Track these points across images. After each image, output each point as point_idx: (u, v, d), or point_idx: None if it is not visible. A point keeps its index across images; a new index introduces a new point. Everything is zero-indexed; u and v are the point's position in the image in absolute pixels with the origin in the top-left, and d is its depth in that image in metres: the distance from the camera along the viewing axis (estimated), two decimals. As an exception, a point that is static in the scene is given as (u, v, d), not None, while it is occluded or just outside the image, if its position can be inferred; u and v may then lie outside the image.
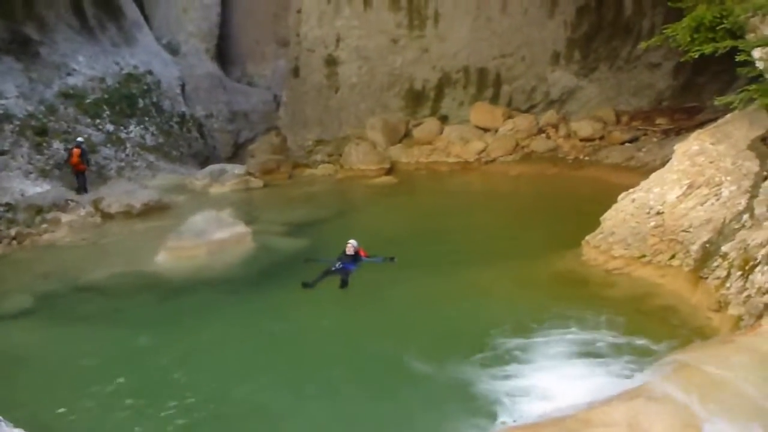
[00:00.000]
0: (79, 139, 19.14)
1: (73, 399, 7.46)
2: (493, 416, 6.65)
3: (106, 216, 17.15)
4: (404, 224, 15.19)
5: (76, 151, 18.02)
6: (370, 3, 22.48)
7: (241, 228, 13.97)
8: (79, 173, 18.21)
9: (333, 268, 10.23)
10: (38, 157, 18.60)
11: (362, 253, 10.48)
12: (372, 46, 22.61)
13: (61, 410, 7.02)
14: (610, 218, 11.00)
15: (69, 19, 22.33)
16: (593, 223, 11.19)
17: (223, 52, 29.98)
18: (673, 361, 5.85)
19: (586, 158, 19.55)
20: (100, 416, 7.03)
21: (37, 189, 17.45)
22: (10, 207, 16.37)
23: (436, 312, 9.43)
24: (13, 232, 15.57)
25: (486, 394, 7.07)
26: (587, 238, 11.11)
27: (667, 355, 6.79)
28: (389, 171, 20.75)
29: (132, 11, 24.52)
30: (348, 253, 10.32)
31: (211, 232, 13.46)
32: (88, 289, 11.94)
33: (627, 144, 19.37)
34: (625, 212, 10.80)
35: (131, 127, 22.15)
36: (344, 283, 10.17)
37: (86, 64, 22.04)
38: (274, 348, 8.76)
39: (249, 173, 20.57)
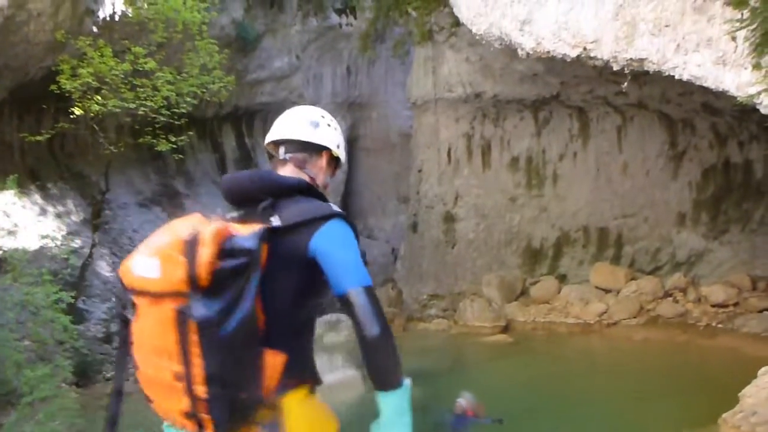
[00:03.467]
0: None
1: None
2: None
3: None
4: (518, 389, 14.44)
5: None
6: (489, 164, 23.26)
7: (351, 373, 13.94)
8: None
9: (448, 424, 9.81)
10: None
11: (470, 413, 10.02)
12: (490, 204, 23.06)
13: None
14: (750, 395, 9.96)
15: (213, 175, 24.73)
16: (730, 399, 10.15)
17: (348, 207, 31.61)
18: None
19: (720, 326, 18.14)
20: None
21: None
22: (140, 345, 17.39)
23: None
24: (139, 369, 16.38)
25: None
26: (724, 416, 10.04)
27: None
28: (505, 329, 20.23)
29: (267, 168, 26.81)
30: (456, 412, 9.91)
31: (322, 376, 13.47)
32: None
33: (766, 312, 17.86)
34: (767, 390, 9.78)
35: (256, 274, 23.35)
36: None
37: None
38: None
39: (364, 324, 20.75)
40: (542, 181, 22.79)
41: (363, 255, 2.34)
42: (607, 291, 20.74)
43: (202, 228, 2.00)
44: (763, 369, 10.25)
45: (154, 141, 16.93)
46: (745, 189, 20.04)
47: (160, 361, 1.98)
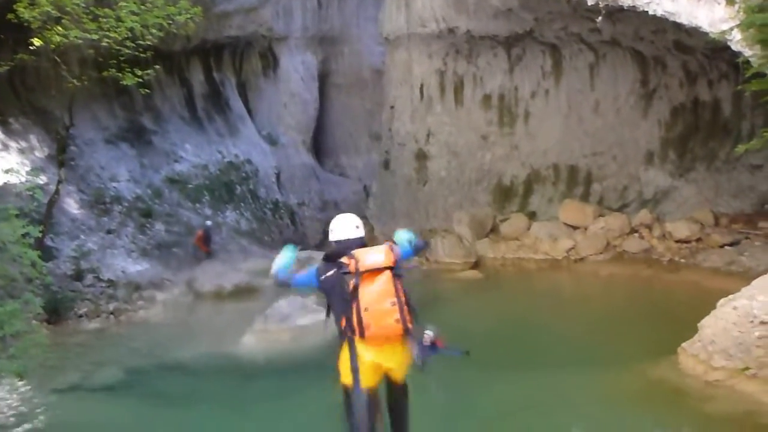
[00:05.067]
0: (208, 222, 20.59)
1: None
2: None
3: (198, 296, 17.81)
4: (487, 321, 14.83)
5: (199, 233, 19.60)
6: (461, 101, 23.13)
7: (324, 315, 14.11)
8: (201, 254, 19.73)
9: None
10: (141, 237, 19.73)
11: (439, 343, 10.29)
12: (462, 141, 23.06)
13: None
14: (709, 325, 10.33)
15: (181, 111, 24.18)
16: (690, 330, 10.52)
17: (319, 144, 31.32)
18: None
19: (683, 261, 18.68)
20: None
21: (137, 267, 18.44)
22: (111, 283, 17.35)
23: (516, 419, 8.88)
24: (111, 307, 16.45)
25: None
26: (684, 345, 10.44)
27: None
28: (475, 265, 20.57)
29: (237, 105, 26.23)
30: (424, 342, 10.18)
31: (295, 318, 13.69)
32: (173, 368, 12.29)
33: (727, 247, 18.41)
34: (726, 320, 10.12)
35: (228, 212, 23.22)
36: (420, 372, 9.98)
37: (192, 152, 23.55)
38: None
39: (336, 261, 20.95)
40: (514, 119, 22.80)
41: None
42: (575, 228, 21.12)
43: (386, 246, 4.18)
44: (722, 301, 10.58)
45: (119, 75, 16.41)
46: (712, 127, 20.31)
47: (386, 298, 3.99)
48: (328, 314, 4.33)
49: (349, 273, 3.96)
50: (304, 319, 13.71)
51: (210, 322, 15.81)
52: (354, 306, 3.94)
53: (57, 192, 17.49)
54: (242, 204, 24.03)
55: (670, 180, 20.84)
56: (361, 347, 4.08)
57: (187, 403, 10.35)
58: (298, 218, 26.88)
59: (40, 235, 9.02)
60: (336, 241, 4.31)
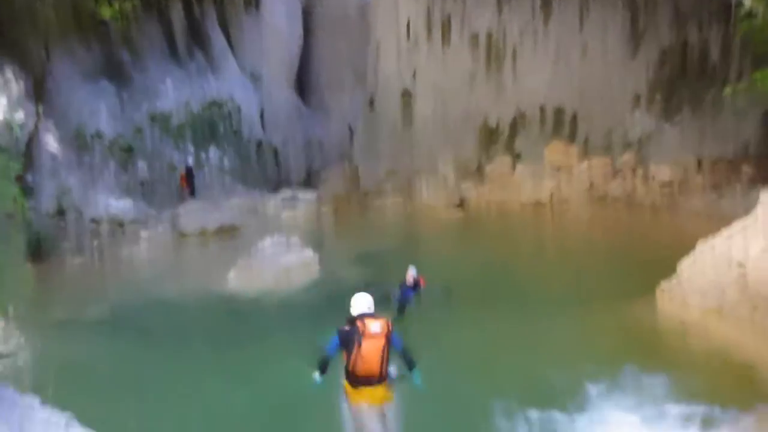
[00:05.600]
0: (189, 160, 20.43)
1: (134, 405, 7.69)
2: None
3: (182, 234, 17.80)
4: (469, 261, 15.01)
5: (182, 172, 19.58)
6: (448, 40, 22.73)
7: (308, 254, 14.20)
8: (185, 192, 19.71)
9: (393, 297, 10.27)
10: (123, 175, 19.53)
11: (422, 283, 10.45)
12: (448, 82, 22.77)
13: (122, 415, 7.21)
14: (687, 267, 10.54)
15: (161, 46, 23.51)
16: (669, 272, 10.73)
17: (303, 83, 30.80)
18: (748, 421, 5.49)
19: (665, 204, 18.88)
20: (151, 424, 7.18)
21: (120, 205, 18.31)
22: (94, 221, 17.25)
23: (496, 357, 9.10)
24: (95, 245, 16.39)
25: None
26: (662, 286, 10.68)
27: (740, 415, 6.40)
28: (459, 207, 20.67)
29: (219, 40, 25.55)
30: (407, 282, 10.33)
31: (279, 256, 13.73)
32: (159, 305, 12.37)
33: (709, 192, 18.60)
34: (703, 262, 10.33)
35: (211, 151, 22.97)
36: (401, 310, 10.15)
37: (173, 89, 23.06)
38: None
39: (320, 201, 20.94)
40: (501, 60, 22.47)
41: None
42: (559, 169, 21.18)
43: (382, 320, 6.03)
44: (700, 242, 10.76)
45: (95, 4, 15.85)
46: (700, 71, 20.16)
47: (376, 358, 5.92)
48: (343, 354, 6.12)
49: (358, 333, 5.93)
50: (289, 258, 13.78)
51: (195, 261, 15.87)
52: (354, 353, 5.94)
53: (36, 129, 17.17)
54: (225, 143, 23.76)
55: (655, 123, 20.80)
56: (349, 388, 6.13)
57: (173, 339, 10.47)
58: (282, 157, 26.68)
59: (20, 169, 8.86)
60: (356, 315, 6.17)
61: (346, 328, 6.09)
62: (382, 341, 5.93)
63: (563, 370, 8.25)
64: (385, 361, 5.96)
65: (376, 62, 23.92)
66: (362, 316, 6.11)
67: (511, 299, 11.72)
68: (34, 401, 4.76)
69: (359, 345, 5.89)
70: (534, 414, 7.20)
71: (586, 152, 21.25)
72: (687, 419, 6.97)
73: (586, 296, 11.54)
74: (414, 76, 23.16)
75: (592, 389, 7.75)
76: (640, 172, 20.22)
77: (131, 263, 15.79)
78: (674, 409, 7.15)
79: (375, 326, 5.95)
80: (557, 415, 7.21)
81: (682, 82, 20.47)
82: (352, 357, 5.93)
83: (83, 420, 4.74)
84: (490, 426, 7.10)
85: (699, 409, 7.05)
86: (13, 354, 9.83)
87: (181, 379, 8.67)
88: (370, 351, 5.90)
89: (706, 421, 6.86)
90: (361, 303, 6.30)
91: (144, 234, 17.55)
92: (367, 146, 24.46)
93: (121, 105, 21.20)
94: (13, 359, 9.62)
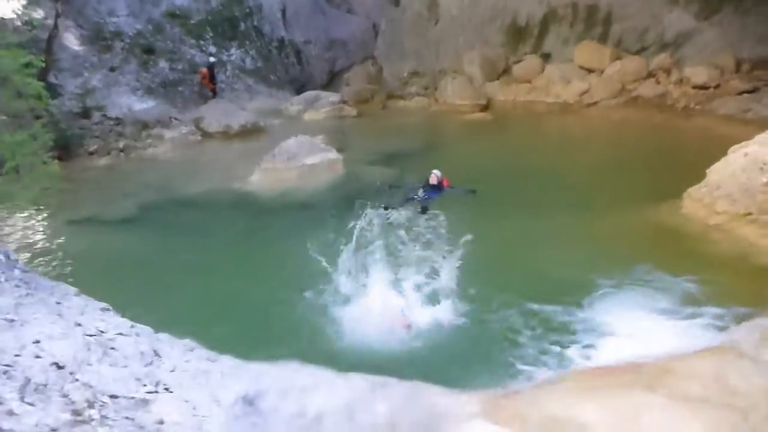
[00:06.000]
0: (211, 58, 20.19)
1: (160, 294, 7.97)
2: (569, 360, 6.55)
3: (206, 135, 17.82)
4: (495, 162, 14.83)
5: (203, 71, 19.42)
6: (478, -69, 21.54)
7: (332, 154, 14.17)
8: (207, 92, 19.59)
9: (415, 197, 10.28)
10: (145, 74, 19.36)
11: (446, 183, 10.43)
12: (477, -24, 21.76)
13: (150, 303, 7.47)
14: (717, 171, 10.32)
15: (179, -62, 22.66)
16: (698, 176, 10.53)
17: (326, -21, 29.69)
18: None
19: (698, 107, 18.28)
20: (185, 314, 7.43)
21: (143, 105, 18.28)
22: (119, 121, 17.29)
23: (520, 255, 9.19)
24: (120, 144, 16.53)
25: (564, 338, 6.94)
26: (690, 190, 10.52)
27: (761, 316, 6.42)
28: (484, 108, 20.27)
29: (239, -67, 24.55)
30: (431, 182, 10.32)
31: (302, 157, 13.73)
32: (184, 202, 12.57)
33: (745, 94, 17.90)
34: (734, 166, 10.09)
35: (232, 50, 22.57)
36: (424, 210, 10.20)
37: (193, -16, 22.43)
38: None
39: (343, 101, 20.68)
40: (533, -47, 21.31)
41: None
42: (590, 71, 20.50)
43: None
44: (733, 147, 10.49)
45: None
46: (745, -36, 18.96)
47: None
48: None
49: None
50: (312, 158, 13.77)
51: (218, 161, 15.92)
52: None
53: (56, 26, 16.93)
54: (247, 41, 23.28)
55: (694, 22, 19.81)
56: None
57: (198, 234, 10.70)
58: (304, 57, 26.17)
59: (42, 64, 8.78)
60: None
61: None
62: None
63: (578, 268, 8.40)
64: None
65: (402, -45, 22.88)
66: None
67: (535, 200, 11.66)
68: (69, 289, 4.92)
69: None
70: (544, 306, 7.43)
71: (618, 53, 20.46)
72: (696, 317, 7.09)
73: (611, 198, 11.45)
74: (441, -30, 22.16)
75: (605, 285, 7.91)
76: (674, 73, 19.48)
77: (155, 163, 15.91)
78: (688, 309, 7.27)
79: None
80: (570, 309, 7.39)
81: (725, -23, 19.31)
82: None
83: (113, 307, 4.91)
84: (501, 318, 7.27)
85: (710, 310, 7.15)
86: (46, 245, 10.15)
87: (206, 272, 8.92)
88: None
89: (719, 319, 6.95)
90: None
91: (168, 134, 17.58)
92: (391, 45, 23.82)
93: (140, 2, 20.74)
94: (45, 250, 9.94)
